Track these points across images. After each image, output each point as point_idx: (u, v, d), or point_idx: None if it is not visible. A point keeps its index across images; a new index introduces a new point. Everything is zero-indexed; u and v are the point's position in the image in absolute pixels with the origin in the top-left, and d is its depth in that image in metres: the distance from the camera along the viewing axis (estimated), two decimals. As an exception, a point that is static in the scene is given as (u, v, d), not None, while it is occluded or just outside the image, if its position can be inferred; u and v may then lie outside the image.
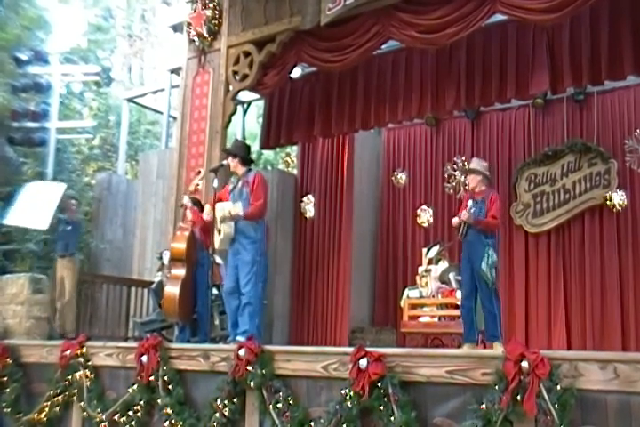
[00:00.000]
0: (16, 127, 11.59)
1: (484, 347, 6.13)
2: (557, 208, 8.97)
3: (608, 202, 8.61)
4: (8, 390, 5.84)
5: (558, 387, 3.25)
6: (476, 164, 6.39)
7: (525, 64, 7.24)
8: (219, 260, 6.72)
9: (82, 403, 5.29)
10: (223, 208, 5.70)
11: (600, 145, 8.76)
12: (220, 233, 5.73)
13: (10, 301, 7.18)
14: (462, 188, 9.59)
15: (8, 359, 5.90)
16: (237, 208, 5.66)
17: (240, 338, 5.27)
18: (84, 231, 11.65)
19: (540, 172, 9.16)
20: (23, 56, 11.83)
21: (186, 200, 6.74)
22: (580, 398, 3.26)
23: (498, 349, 5.50)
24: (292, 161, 10.59)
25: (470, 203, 6.05)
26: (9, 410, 5.76)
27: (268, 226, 7.11)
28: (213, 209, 5.79)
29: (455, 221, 6.05)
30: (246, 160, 6.05)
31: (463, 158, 9.74)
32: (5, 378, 5.88)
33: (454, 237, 8.87)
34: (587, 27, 6.84)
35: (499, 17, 6.74)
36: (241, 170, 5.93)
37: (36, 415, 5.58)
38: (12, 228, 11.03)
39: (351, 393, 3.83)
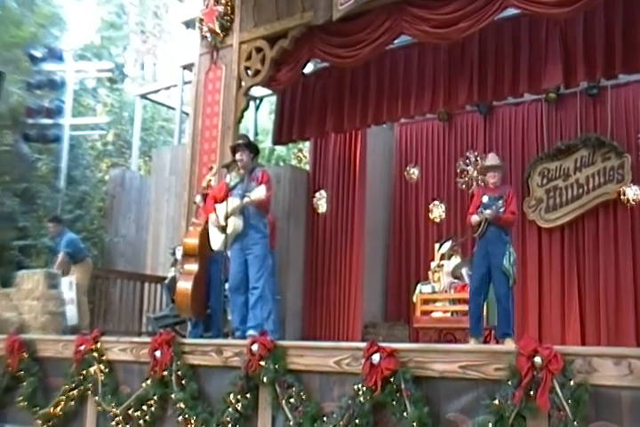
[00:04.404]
0: (31, 124, 11.69)
1: (497, 343, 6.13)
2: (570, 203, 8.92)
3: (622, 197, 8.56)
4: (25, 384, 5.88)
5: (572, 383, 3.24)
6: (495, 159, 6.34)
7: (538, 58, 7.20)
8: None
9: (97, 397, 5.31)
10: (233, 201, 5.68)
11: (614, 139, 8.70)
12: (224, 230, 5.68)
13: (25, 296, 7.23)
14: (475, 183, 9.57)
15: (24, 354, 5.94)
16: (260, 192, 5.62)
17: (252, 332, 5.27)
18: (97, 227, 11.76)
19: (552, 166, 9.12)
20: (38, 53, 11.93)
21: (198, 200, 6.79)
22: (593, 394, 3.25)
23: (509, 344, 5.51)
24: (305, 156, 10.61)
25: (486, 199, 6.02)
26: (26, 404, 5.81)
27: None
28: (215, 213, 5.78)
29: (475, 218, 5.99)
30: (256, 156, 6.05)
31: (476, 153, 9.71)
32: (22, 372, 5.91)
33: (467, 232, 8.88)
34: (600, 20, 6.79)
35: (511, 11, 6.71)
36: (250, 166, 5.92)
37: (52, 409, 5.61)
38: (28, 223, 11.17)
39: (364, 388, 3.82)
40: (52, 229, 8.50)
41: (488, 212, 5.87)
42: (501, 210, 5.90)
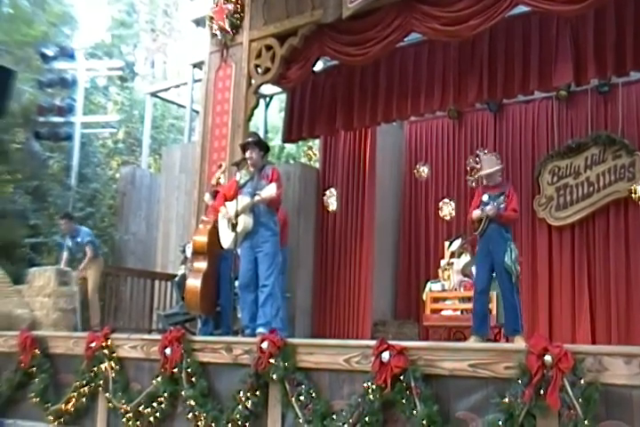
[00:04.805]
0: (42, 122, 11.76)
1: (507, 341, 6.11)
2: (581, 201, 8.88)
3: (633, 195, 8.49)
4: (37, 380, 5.92)
5: (582, 381, 3.23)
6: (491, 165, 6.30)
7: (549, 56, 7.17)
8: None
9: (107, 394, 5.35)
10: (243, 199, 5.69)
11: (625, 137, 8.64)
12: (234, 228, 5.69)
13: (37, 293, 7.28)
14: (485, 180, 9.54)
15: (36, 350, 5.98)
16: (270, 189, 5.63)
17: (262, 330, 5.28)
18: (108, 225, 11.81)
19: (563, 164, 9.08)
20: (49, 52, 11.99)
21: (207, 198, 6.81)
22: (604, 393, 3.24)
23: (519, 342, 5.49)
24: (315, 154, 10.59)
25: (486, 197, 6.03)
26: (37, 400, 5.85)
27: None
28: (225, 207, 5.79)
29: (477, 213, 6.00)
30: (266, 154, 6.05)
31: (486, 151, 9.67)
32: (34, 369, 5.96)
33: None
34: (611, 17, 6.75)
35: (522, 8, 6.68)
36: (260, 164, 5.92)
37: (63, 405, 5.65)
38: (39, 221, 11.24)
39: (373, 386, 3.83)
40: (63, 226, 8.48)
41: (489, 208, 5.88)
42: (502, 206, 5.91)
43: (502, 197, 5.98)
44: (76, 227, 8.45)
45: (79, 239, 8.22)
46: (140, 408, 5.06)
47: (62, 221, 8.50)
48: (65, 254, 8.38)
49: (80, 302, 7.81)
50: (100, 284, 8.28)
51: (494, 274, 5.99)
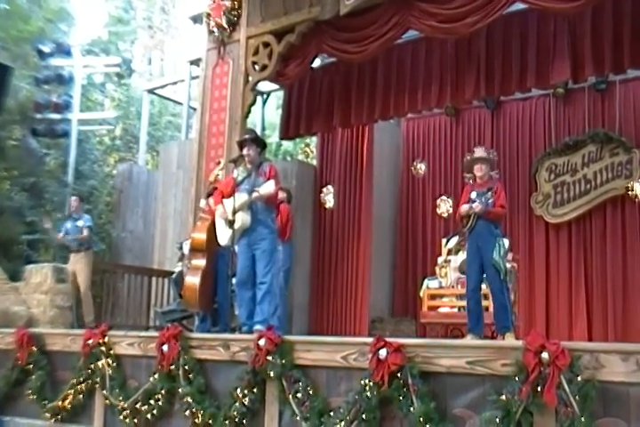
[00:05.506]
0: (39, 119, 11.71)
1: (504, 339, 6.11)
2: (578, 198, 8.90)
3: (630, 192, 8.52)
4: (34, 377, 5.91)
5: (579, 378, 3.23)
6: (482, 152, 6.32)
7: (546, 53, 7.18)
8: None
9: (104, 391, 5.34)
10: (241, 196, 5.68)
11: (622, 135, 8.66)
12: (231, 225, 5.68)
13: (34, 290, 7.28)
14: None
15: (33, 347, 5.97)
16: (269, 186, 5.63)
17: (259, 327, 5.28)
18: (105, 221, 11.80)
19: (560, 162, 9.09)
20: (46, 48, 11.94)
21: (203, 204, 6.81)
22: (601, 390, 3.24)
23: (510, 339, 5.51)
24: (312, 151, 10.61)
25: (474, 195, 6.02)
26: (35, 397, 5.84)
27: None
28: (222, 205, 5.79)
29: (465, 208, 5.97)
30: (263, 150, 6.04)
31: (483, 149, 9.67)
32: (31, 366, 5.94)
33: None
34: (609, 15, 6.77)
35: (519, 5, 6.68)
36: (257, 161, 5.91)
37: (60, 402, 5.64)
38: (36, 217, 11.22)
39: (371, 383, 3.83)
40: (74, 203, 8.50)
41: (476, 204, 5.86)
42: (490, 201, 5.89)
43: (490, 193, 5.96)
44: (82, 212, 8.49)
45: (79, 223, 8.19)
46: (137, 405, 5.05)
47: (74, 198, 8.67)
48: (60, 234, 8.31)
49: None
50: (94, 280, 8.23)
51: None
